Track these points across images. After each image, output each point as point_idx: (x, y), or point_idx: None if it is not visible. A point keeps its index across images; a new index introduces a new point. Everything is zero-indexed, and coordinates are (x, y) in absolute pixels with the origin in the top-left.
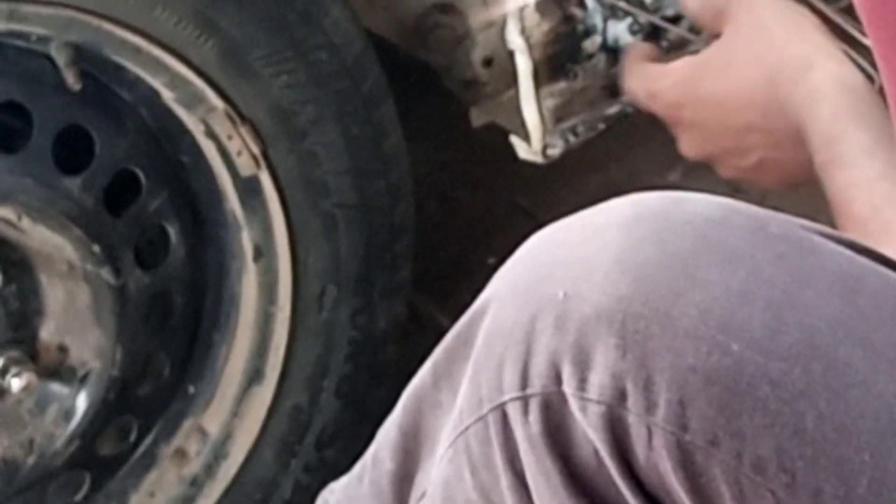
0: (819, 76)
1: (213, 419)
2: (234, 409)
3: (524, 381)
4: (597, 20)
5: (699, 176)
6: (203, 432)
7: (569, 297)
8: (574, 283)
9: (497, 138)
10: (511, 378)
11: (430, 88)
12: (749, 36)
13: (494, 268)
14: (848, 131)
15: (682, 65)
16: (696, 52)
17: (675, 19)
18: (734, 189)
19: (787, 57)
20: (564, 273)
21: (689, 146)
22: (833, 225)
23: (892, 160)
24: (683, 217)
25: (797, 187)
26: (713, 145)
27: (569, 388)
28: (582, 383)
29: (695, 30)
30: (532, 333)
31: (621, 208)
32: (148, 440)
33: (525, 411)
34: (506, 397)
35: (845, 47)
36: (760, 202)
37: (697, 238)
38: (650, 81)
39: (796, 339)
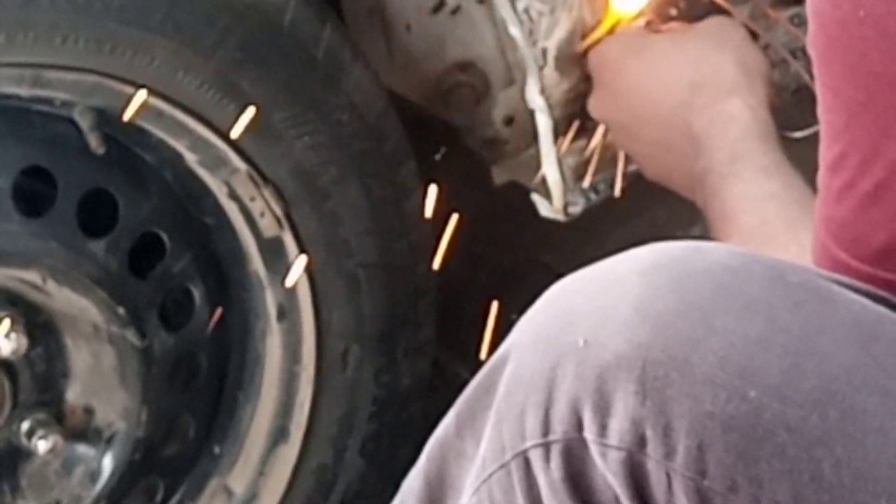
0: (737, 102)
1: (238, 479)
2: (260, 468)
3: (546, 428)
4: None
5: None
6: (229, 492)
7: (589, 344)
8: (594, 331)
9: (519, 195)
10: (533, 425)
11: (452, 147)
12: (701, 42)
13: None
14: (752, 152)
15: (634, 32)
16: None
17: None
18: None
19: (718, 76)
20: (584, 321)
21: (594, 103)
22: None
23: (788, 185)
24: (702, 265)
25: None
26: (612, 115)
27: (590, 434)
28: (602, 429)
29: None
30: (553, 381)
31: (640, 257)
32: (174, 501)
33: (547, 458)
34: (528, 444)
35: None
36: None
37: (716, 286)
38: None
39: (813, 386)
